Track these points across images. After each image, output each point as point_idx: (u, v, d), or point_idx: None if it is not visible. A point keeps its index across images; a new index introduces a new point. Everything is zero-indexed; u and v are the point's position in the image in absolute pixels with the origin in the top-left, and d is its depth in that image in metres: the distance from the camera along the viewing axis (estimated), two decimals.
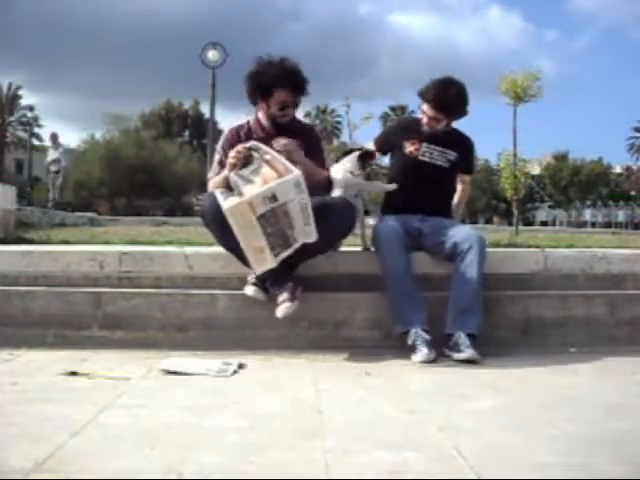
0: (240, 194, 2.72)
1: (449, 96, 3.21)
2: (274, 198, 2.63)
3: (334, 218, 2.86)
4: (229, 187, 2.89)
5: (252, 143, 2.92)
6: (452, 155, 3.37)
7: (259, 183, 2.70)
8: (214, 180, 3.11)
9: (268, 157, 2.81)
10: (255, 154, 2.86)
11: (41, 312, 3.02)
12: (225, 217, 2.74)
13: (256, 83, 3.09)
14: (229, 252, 2.97)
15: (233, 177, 2.84)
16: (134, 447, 1.70)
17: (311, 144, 3.20)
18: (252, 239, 2.67)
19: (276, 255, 2.70)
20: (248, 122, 3.23)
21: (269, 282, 2.93)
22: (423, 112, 3.30)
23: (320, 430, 1.87)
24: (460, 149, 3.41)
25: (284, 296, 2.85)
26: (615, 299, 3.27)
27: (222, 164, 3.14)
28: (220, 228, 2.86)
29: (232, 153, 2.91)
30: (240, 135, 3.18)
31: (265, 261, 2.72)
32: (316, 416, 2.02)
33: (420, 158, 3.33)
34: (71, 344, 2.93)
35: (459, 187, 3.57)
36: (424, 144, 3.33)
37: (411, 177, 3.32)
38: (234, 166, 2.86)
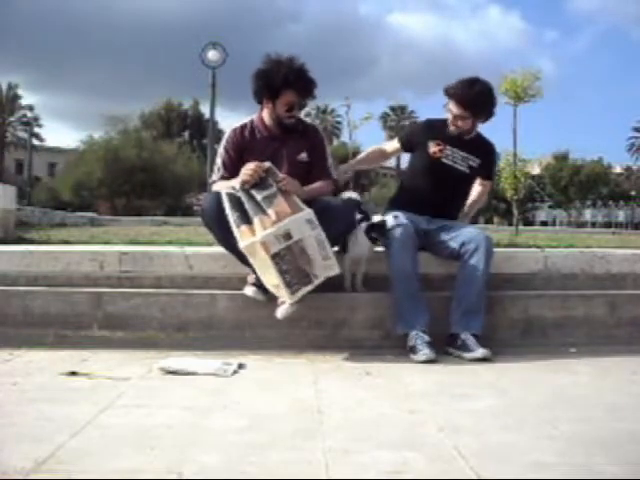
0: (249, 221, 2.71)
1: (473, 93, 3.18)
2: (288, 236, 2.65)
3: (335, 217, 2.86)
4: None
5: (269, 165, 2.88)
6: (475, 161, 3.32)
7: (273, 218, 2.68)
8: (219, 187, 3.03)
9: (281, 185, 2.81)
10: (268, 179, 2.82)
11: (41, 312, 3.02)
12: (225, 216, 2.75)
13: (264, 82, 3.02)
14: (228, 252, 2.96)
15: (241, 194, 2.80)
16: (134, 447, 1.70)
17: (315, 145, 3.17)
18: (269, 276, 2.70)
19: (293, 292, 2.70)
20: (252, 121, 3.17)
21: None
22: (448, 110, 3.26)
23: (320, 430, 1.87)
24: (482, 155, 3.36)
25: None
26: (615, 299, 3.27)
27: (225, 166, 3.11)
28: (219, 227, 2.86)
29: (246, 170, 2.83)
30: (244, 135, 3.13)
31: (283, 297, 2.75)
32: (316, 416, 2.02)
33: (443, 160, 3.29)
34: (71, 344, 2.93)
35: (478, 189, 3.50)
36: (448, 147, 3.29)
37: (430, 177, 3.29)
38: (246, 182, 2.82)
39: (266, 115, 3.13)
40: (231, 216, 2.75)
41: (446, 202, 3.33)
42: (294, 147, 3.11)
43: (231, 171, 3.05)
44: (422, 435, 1.85)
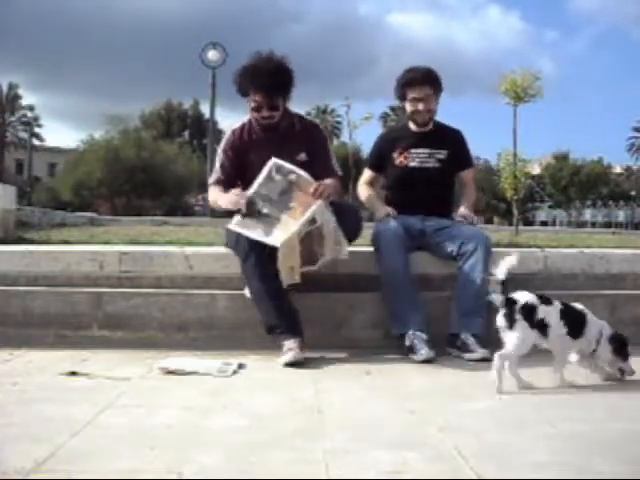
0: (277, 219, 2.77)
1: (422, 70, 3.30)
2: (313, 221, 2.75)
3: (343, 221, 2.86)
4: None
5: (274, 162, 2.87)
6: (442, 154, 3.35)
7: (299, 210, 2.76)
8: (217, 196, 3.05)
9: (293, 177, 2.83)
10: (277, 176, 2.85)
11: (41, 312, 3.02)
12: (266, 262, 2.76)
13: (237, 83, 3.05)
14: (255, 298, 2.90)
15: (257, 200, 2.83)
16: (134, 447, 1.71)
17: (314, 143, 3.12)
18: (289, 260, 2.75)
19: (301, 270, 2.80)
20: (250, 121, 3.14)
21: (281, 329, 2.81)
22: (414, 100, 3.30)
23: (320, 430, 1.87)
24: (450, 146, 3.37)
25: (292, 344, 2.75)
26: (615, 299, 3.27)
27: (224, 168, 3.12)
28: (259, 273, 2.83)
29: (234, 204, 2.87)
30: (242, 136, 3.12)
31: (293, 279, 2.79)
32: (316, 416, 2.02)
33: (411, 165, 3.34)
34: (71, 344, 2.94)
35: (463, 184, 3.49)
36: (411, 150, 3.34)
37: (407, 185, 3.35)
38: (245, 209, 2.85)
39: None
40: (255, 234, 2.77)
41: (432, 200, 3.33)
42: (293, 147, 3.07)
43: (229, 173, 3.06)
44: (422, 435, 1.85)
